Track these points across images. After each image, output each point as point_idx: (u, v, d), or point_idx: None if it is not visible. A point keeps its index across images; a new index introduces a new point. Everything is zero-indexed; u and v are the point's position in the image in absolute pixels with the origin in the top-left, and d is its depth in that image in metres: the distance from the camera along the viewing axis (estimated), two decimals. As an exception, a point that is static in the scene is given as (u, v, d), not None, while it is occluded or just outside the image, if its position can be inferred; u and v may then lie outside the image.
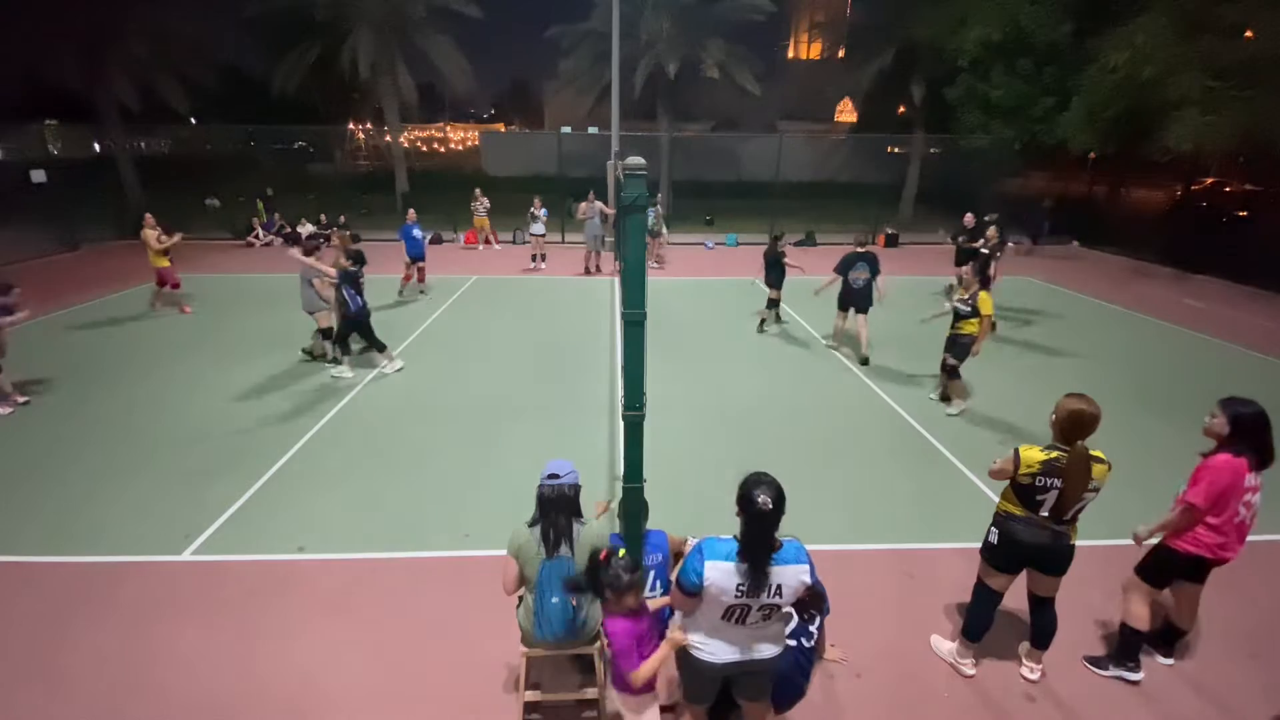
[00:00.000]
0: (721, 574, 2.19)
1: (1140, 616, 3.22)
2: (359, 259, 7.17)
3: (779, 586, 2.20)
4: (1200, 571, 3.16)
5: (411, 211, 11.16)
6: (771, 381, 7.44)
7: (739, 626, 2.30)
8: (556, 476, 2.68)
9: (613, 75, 16.00)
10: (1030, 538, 3.02)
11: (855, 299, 7.90)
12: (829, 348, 8.64)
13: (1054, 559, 3.06)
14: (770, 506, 2.13)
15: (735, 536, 2.25)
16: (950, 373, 6.55)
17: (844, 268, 7.86)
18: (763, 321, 9.54)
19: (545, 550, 2.66)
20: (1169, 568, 3.18)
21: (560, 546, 2.68)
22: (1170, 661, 3.41)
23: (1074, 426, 2.89)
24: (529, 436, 5.96)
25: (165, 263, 9.43)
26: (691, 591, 2.24)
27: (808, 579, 2.26)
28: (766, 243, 10.36)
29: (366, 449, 5.69)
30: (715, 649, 2.34)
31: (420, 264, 11.08)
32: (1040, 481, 2.92)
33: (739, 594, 2.20)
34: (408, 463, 5.46)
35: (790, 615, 2.54)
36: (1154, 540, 3.22)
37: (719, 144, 28.57)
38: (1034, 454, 2.94)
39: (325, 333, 7.54)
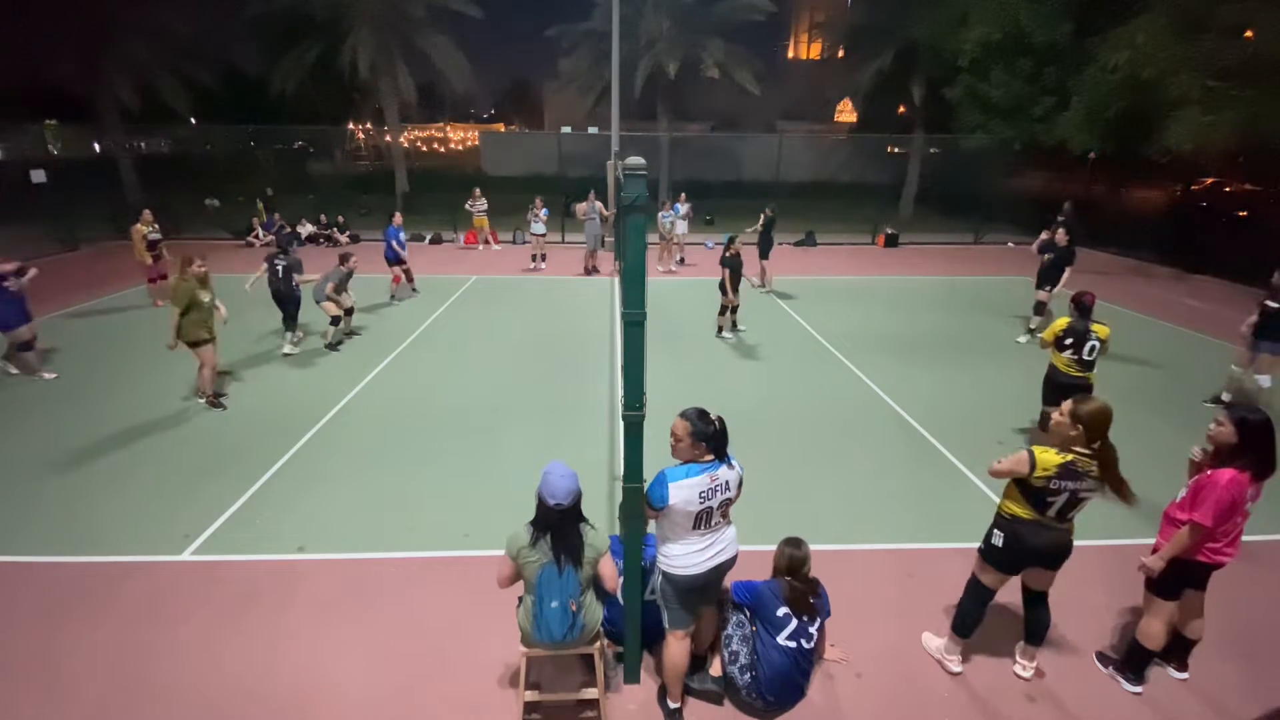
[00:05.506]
0: (686, 489, 2.70)
1: (1155, 636, 3.18)
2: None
3: (727, 483, 2.79)
4: (1204, 577, 3.13)
5: (398, 215, 11.02)
6: (771, 382, 7.45)
7: (705, 532, 2.82)
8: (561, 502, 2.62)
9: (613, 75, 16.01)
10: (1038, 540, 3.00)
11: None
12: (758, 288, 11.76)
13: (1059, 556, 3.06)
14: (721, 422, 2.79)
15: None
16: None
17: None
18: (720, 328, 9.13)
19: (558, 567, 2.67)
20: (1179, 577, 3.12)
21: (571, 562, 2.69)
22: (1185, 675, 3.34)
23: (1105, 424, 2.86)
24: (529, 436, 5.96)
25: (148, 259, 9.90)
26: (653, 506, 2.75)
27: (741, 474, 2.88)
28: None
29: (366, 449, 5.69)
30: (689, 561, 2.82)
31: (401, 266, 10.85)
32: (1054, 484, 2.88)
33: (702, 499, 2.72)
34: (407, 463, 5.46)
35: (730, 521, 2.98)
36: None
37: (719, 144, 28.56)
38: (1050, 457, 2.88)
39: (334, 320, 8.21)
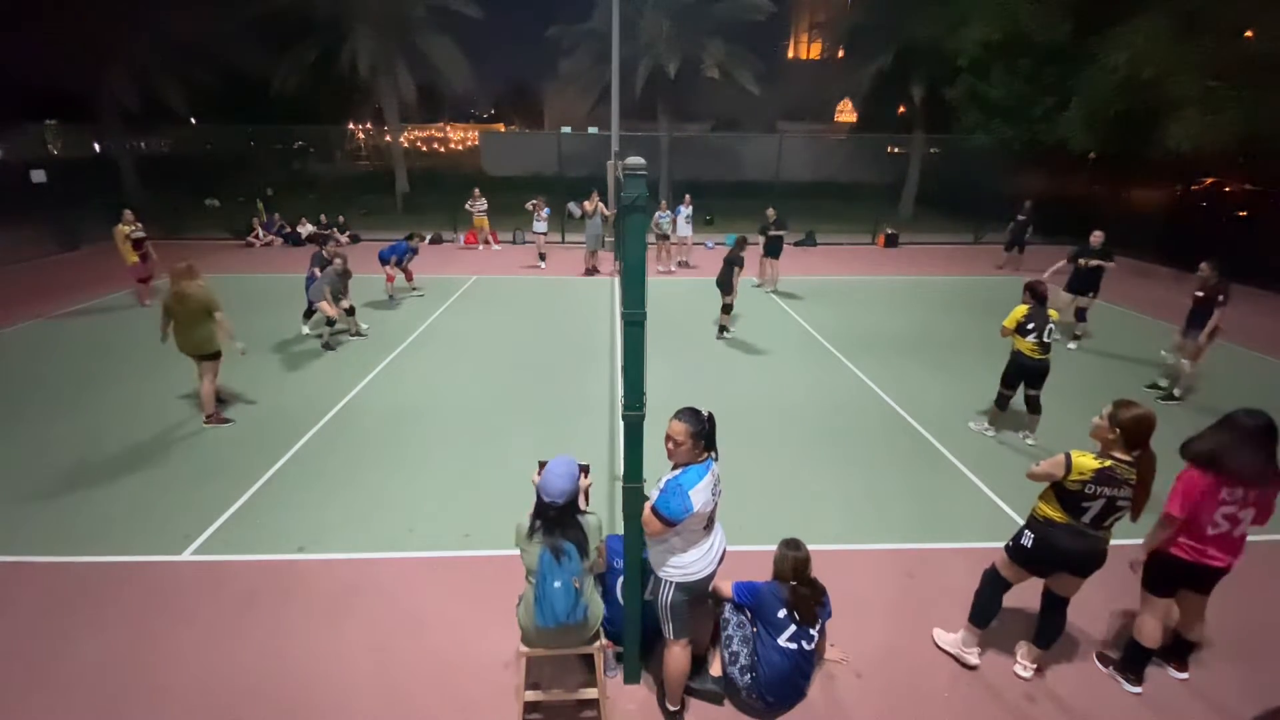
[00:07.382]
0: (703, 492, 2.67)
1: (1150, 633, 3.18)
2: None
3: (719, 475, 2.84)
4: (1200, 580, 3.11)
5: (417, 239, 11.32)
6: (771, 381, 7.44)
7: (710, 529, 2.85)
8: (556, 501, 2.65)
9: (613, 75, 16.00)
10: (1070, 544, 2.98)
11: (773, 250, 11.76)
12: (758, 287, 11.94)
13: (1091, 563, 3.04)
14: (711, 417, 2.75)
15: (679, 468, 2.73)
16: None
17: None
18: (724, 327, 9.12)
19: (556, 560, 2.68)
20: (1165, 573, 3.14)
21: (574, 548, 2.71)
22: (1184, 676, 3.35)
23: (1145, 432, 2.84)
24: (529, 436, 5.95)
25: (134, 258, 9.93)
26: (674, 521, 2.64)
27: None
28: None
29: (366, 449, 5.69)
30: (701, 565, 2.81)
31: (387, 269, 10.76)
32: (1089, 489, 2.87)
33: (713, 497, 2.75)
34: (408, 463, 5.46)
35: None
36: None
37: (719, 144, 28.56)
38: (1087, 461, 2.88)
39: (329, 321, 8.30)
